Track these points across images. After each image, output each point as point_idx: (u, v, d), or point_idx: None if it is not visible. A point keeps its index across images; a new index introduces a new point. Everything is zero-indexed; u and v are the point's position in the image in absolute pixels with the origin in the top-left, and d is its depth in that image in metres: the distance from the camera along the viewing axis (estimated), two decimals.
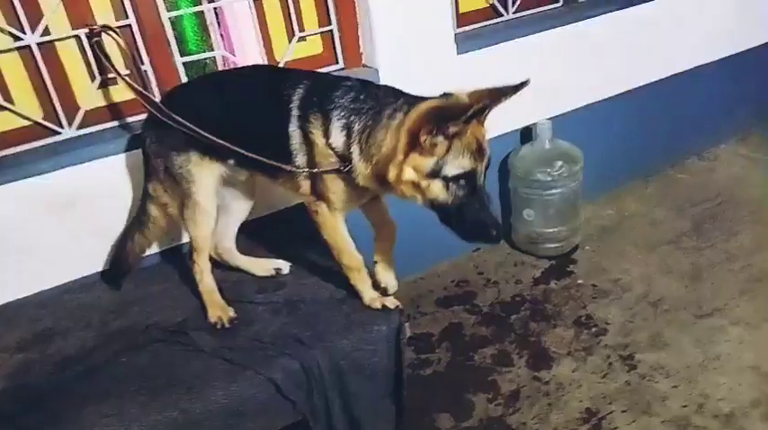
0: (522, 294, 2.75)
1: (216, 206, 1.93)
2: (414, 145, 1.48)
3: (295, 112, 1.68)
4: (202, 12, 2.26)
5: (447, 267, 2.98)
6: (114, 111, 2.23)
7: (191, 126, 1.75)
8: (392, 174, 1.53)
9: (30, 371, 1.74)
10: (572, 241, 2.97)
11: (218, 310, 1.88)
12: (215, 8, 2.28)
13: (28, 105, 2.11)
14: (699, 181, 3.45)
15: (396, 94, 1.64)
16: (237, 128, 1.79)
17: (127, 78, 1.98)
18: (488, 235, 1.57)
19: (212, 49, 2.32)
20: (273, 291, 2.01)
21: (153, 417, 1.55)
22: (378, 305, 1.86)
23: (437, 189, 1.52)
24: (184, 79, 2.28)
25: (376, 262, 1.91)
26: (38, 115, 2.13)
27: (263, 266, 2.10)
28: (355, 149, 1.62)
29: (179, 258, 2.20)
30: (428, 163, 1.48)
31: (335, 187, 1.70)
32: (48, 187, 2.06)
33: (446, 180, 1.50)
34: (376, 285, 1.90)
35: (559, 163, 2.77)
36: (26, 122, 2.12)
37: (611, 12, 2.98)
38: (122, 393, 1.62)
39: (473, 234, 1.59)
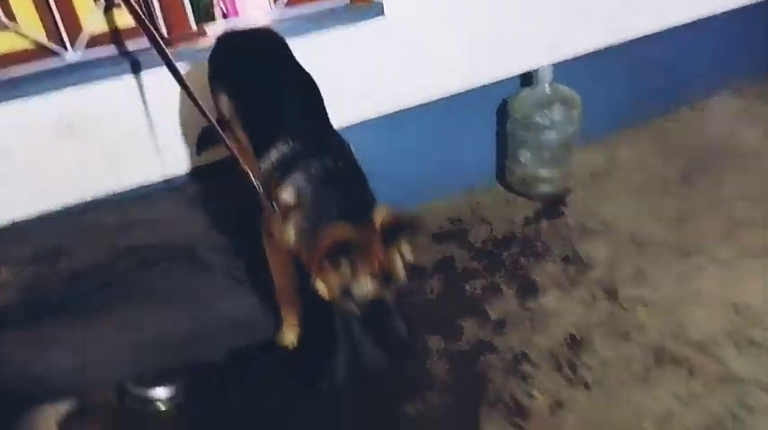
0: (513, 232, 2.84)
1: None
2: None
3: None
4: None
5: (441, 205, 3.05)
6: (116, 36, 2.24)
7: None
8: (313, 277, 1.55)
9: (42, 284, 1.82)
10: (564, 184, 3.06)
11: None
12: None
13: (31, 26, 2.11)
14: (690, 131, 3.52)
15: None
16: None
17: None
18: (400, 351, 1.66)
19: None
20: None
21: (166, 326, 1.65)
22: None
23: (346, 305, 1.56)
24: (187, 5, 2.28)
25: None
26: (41, 37, 2.13)
27: None
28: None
29: (185, 183, 2.25)
30: (337, 281, 1.53)
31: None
32: (51, 107, 2.08)
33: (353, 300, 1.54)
34: None
35: (558, 106, 2.81)
36: (29, 45, 2.13)
37: None
38: (134, 305, 1.71)
39: (389, 351, 1.70)
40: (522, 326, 2.32)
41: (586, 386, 2.05)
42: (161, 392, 2.05)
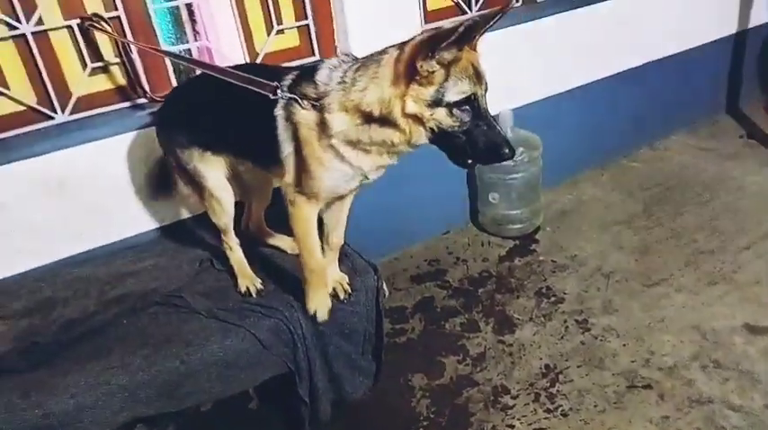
0: (488, 270, 2.97)
1: (231, 194, 2.01)
2: (412, 76, 1.48)
3: (278, 106, 1.69)
4: (177, 7, 2.41)
5: (419, 249, 3.18)
6: (104, 97, 2.38)
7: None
8: (396, 110, 1.52)
9: (35, 333, 1.87)
10: (534, 222, 3.21)
11: (248, 280, 2.02)
12: (188, 4, 2.43)
13: (22, 91, 2.24)
14: (650, 168, 3.74)
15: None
16: (229, 122, 1.86)
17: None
18: (502, 152, 1.55)
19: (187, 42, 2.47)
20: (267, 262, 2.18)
21: (156, 368, 1.71)
22: (312, 312, 1.91)
23: (441, 116, 1.52)
24: (169, 66, 2.44)
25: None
26: (32, 101, 2.26)
27: (291, 243, 2.18)
28: (334, 94, 1.60)
29: (170, 234, 2.34)
30: (429, 92, 1.49)
31: (320, 173, 1.69)
32: (42, 169, 2.18)
33: (449, 106, 1.50)
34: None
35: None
36: (21, 108, 2.25)
37: (565, 11, 3.23)
38: (125, 349, 1.76)
39: (487, 155, 1.58)
40: (501, 359, 2.41)
41: (564, 414, 2.13)
42: None
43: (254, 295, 1.99)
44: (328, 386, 2.03)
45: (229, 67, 1.87)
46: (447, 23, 1.52)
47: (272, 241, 2.28)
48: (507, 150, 1.56)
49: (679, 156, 3.84)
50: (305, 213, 1.80)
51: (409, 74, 1.49)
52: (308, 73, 1.70)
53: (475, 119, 1.53)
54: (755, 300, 2.54)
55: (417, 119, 1.54)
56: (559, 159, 3.37)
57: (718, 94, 4.28)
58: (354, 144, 1.64)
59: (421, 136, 1.58)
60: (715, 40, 3.98)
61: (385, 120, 1.56)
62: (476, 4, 3.09)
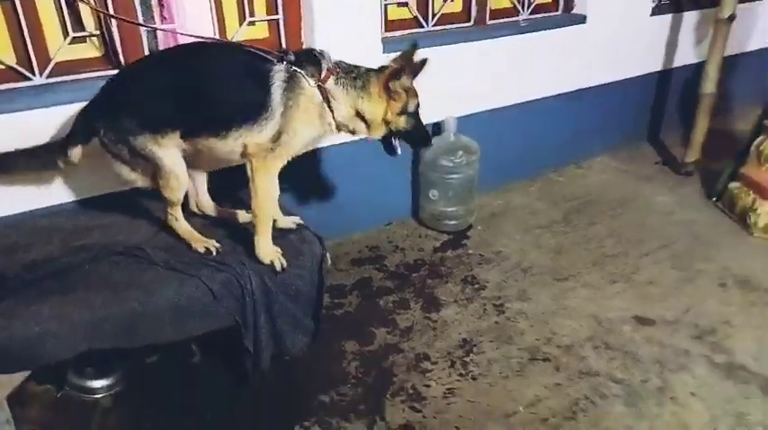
0: (423, 259, 3.28)
1: (185, 170, 2.20)
2: (389, 95, 2.23)
3: (280, 73, 2.11)
4: None
5: (362, 236, 3.46)
6: (80, 64, 2.56)
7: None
8: (379, 116, 2.26)
9: (1, 271, 2.03)
10: (467, 220, 3.56)
11: (203, 242, 2.24)
12: None
13: (4, 51, 2.40)
14: (573, 183, 4.16)
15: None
16: (192, 96, 2.08)
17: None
18: (429, 140, 2.50)
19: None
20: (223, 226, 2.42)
21: (116, 308, 1.91)
22: (267, 261, 2.21)
23: (403, 121, 2.31)
24: (145, 42, 2.64)
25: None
26: (12, 61, 2.42)
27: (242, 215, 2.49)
28: (339, 89, 2.20)
29: (133, 192, 2.51)
30: (399, 105, 2.26)
31: (305, 130, 2.19)
32: (18, 125, 2.33)
33: (408, 114, 2.30)
34: None
35: (460, 152, 3.34)
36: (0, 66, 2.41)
37: (510, 35, 3.62)
38: (87, 289, 1.95)
39: (421, 143, 2.48)
40: (425, 332, 2.72)
41: (473, 378, 2.45)
42: (100, 382, 2.28)
43: (214, 253, 2.21)
44: (270, 340, 2.27)
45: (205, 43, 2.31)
46: (396, 61, 2.28)
47: (221, 214, 2.50)
48: (430, 138, 2.52)
49: (600, 175, 4.29)
50: (272, 168, 2.19)
51: (387, 93, 2.23)
52: (307, 58, 2.20)
53: (416, 122, 2.36)
54: (647, 298, 2.94)
55: (385, 121, 2.29)
56: (496, 167, 3.74)
57: (642, 124, 4.78)
58: (339, 125, 2.26)
59: (381, 132, 2.32)
60: (644, 75, 4.47)
61: (364, 120, 2.27)
62: (432, 19, 3.43)
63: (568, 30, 3.88)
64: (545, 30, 3.77)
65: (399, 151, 2.40)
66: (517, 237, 3.49)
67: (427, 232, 3.54)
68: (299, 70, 2.14)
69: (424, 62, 2.26)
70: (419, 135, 2.40)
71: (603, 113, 4.35)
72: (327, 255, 2.36)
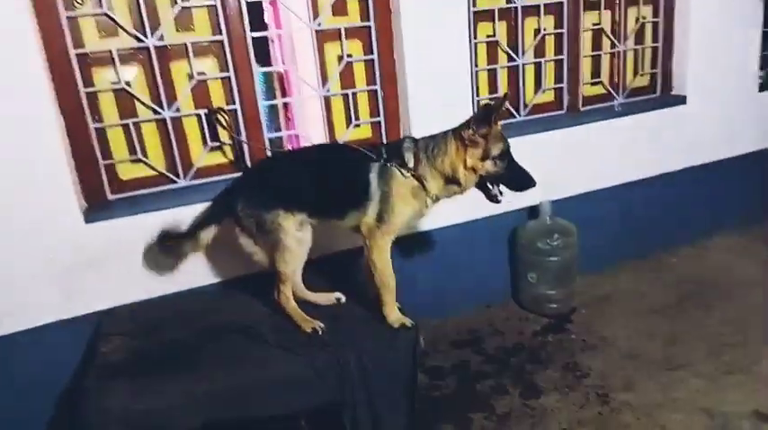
0: (522, 343, 3.28)
1: (300, 248, 2.51)
2: (465, 144, 2.33)
3: (375, 167, 2.41)
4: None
5: (462, 318, 3.54)
6: (215, 169, 3.02)
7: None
8: (461, 167, 2.35)
9: (143, 349, 2.39)
10: (569, 303, 3.52)
11: (310, 323, 2.47)
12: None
13: (156, 160, 2.92)
14: (687, 264, 3.97)
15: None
16: (315, 185, 2.45)
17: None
18: (530, 181, 2.40)
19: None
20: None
21: (234, 380, 2.17)
22: (398, 325, 2.45)
23: (490, 165, 2.35)
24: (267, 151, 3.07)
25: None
26: (162, 168, 2.92)
27: (326, 297, 2.68)
28: (426, 168, 2.40)
29: (243, 283, 2.86)
30: (479, 152, 2.33)
31: (403, 209, 2.40)
32: (163, 221, 2.77)
33: (493, 158, 2.34)
34: None
35: (556, 235, 3.38)
36: (153, 173, 2.92)
37: (604, 120, 3.68)
38: (209, 365, 2.24)
39: (520, 185, 2.41)
40: (524, 420, 2.69)
41: None
42: None
43: (320, 333, 2.41)
44: (369, 419, 2.39)
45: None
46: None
47: (308, 297, 2.69)
48: (532, 179, 2.40)
49: (716, 256, 4.05)
50: (383, 244, 2.43)
51: (462, 143, 2.34)
52: (394, 149, 2.46)
53: (509, 164, 2.38)
54: None
55: (472, 169, 2.36)
56: (601, 248, 3.71)
57: (760, 202, 4.45)
58: (436, 197, 2.47)
59: (472, 182, 2.40)
60: (757, 151, 4.26)
61: (453, 179, 2.39)
62: (524, 110, 3.60)
63: (668, 110, 3.85)
64: (642, 113, 3.78)
65: (501, 198, 2.45)
66: (625, 322, 3.38)
67: (527, 315, 3.54)
68: (390, 165, 2.42)
69: (502, 101, 2.35)
70: (515, 177, 2.39)
71: (714, 192, 4.17)
72: (421, 337, 2.48)
